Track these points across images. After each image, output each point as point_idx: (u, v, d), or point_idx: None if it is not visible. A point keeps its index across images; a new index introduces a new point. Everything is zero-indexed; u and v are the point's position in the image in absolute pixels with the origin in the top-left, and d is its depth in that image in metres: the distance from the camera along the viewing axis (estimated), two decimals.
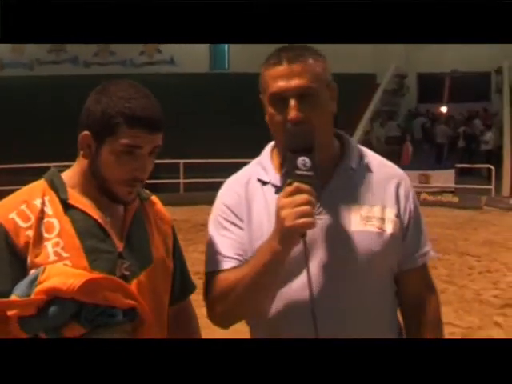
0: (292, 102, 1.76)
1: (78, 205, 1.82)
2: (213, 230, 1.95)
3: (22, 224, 1.77)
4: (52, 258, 1.75)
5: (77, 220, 1.81)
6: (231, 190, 1.94)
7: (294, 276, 1.82)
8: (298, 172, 1.67)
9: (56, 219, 1.79)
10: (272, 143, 1.96)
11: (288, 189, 1.66)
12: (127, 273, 1.82)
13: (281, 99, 1.78)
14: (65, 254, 1.76)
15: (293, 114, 1.76)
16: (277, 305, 1.85)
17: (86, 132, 1.81)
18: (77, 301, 1.65)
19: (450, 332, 5.66)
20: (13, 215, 1.78)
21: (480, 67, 25.59)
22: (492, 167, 19.54)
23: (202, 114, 22.75)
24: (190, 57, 26.20)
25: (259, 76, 1.85)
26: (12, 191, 1.87)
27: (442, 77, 26.86)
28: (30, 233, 1.76)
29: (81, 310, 1.66)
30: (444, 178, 19.84)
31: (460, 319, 6.84)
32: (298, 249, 1.74)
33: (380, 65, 25.79)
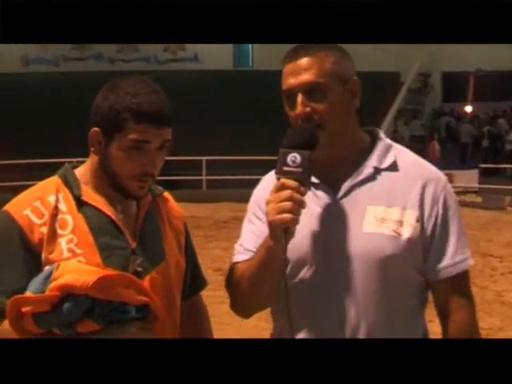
0: (299, 98, 1.76)
1: (91, 201, 1.84)
2: (244, 224, 1.98)
3: (36, 221, 1.79)
4: (66, 254, 1.77)
5: (90, 217, 1.82)
6: (262, 185, 1.97)
7: (305, 272, 1.81)
8: (286, 168, 1.68)
9: (70, 216, 1.81)
10: None
11: (276, 184, 1.68)
12: (140, 269, 1.83)
13: (292, 95, 1.78)
14: (78, 251, 1.78)
15: (299, 109, 1.76)
16: (291, 302, 1.85)
17: (96, 129, 1.83)
18: (90, 297, 1.66)
19: None
20: (27, 212, 1.80)
21: (505, 66, 25.35)
22: None
23: (225, 111, 22.76)
24: (214, 54, 26.21)
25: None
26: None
27: (466, 75, 26.64)
28: (44, 229, 1.78)
29: (94, 306, 1.67)
30: (467, 178, 19.70)
31: (481, 320, 6.78)
32: (311, 246, 1.77)
33: (404, 63, 25.64)
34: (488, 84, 25.96)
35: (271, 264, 1.75)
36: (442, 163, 20.02)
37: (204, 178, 19.57)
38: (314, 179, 1.81)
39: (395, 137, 22.37)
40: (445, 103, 27.30)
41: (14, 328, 1.69)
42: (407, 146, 1.99)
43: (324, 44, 1.83)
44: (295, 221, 1.66)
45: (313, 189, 1.82)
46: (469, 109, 25.87)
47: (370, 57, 22.09)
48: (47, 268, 1.73)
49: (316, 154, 1.78)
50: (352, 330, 1.78)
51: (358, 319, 1.78)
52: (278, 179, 1.69)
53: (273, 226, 1.68)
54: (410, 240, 1.78)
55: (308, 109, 1.76)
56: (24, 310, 1.67)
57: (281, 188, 1.67)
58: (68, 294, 1.66)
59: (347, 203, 1.81)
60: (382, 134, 1.93)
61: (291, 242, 1.74)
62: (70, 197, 1.84)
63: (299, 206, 1.66)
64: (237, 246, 1.94)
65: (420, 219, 1.80)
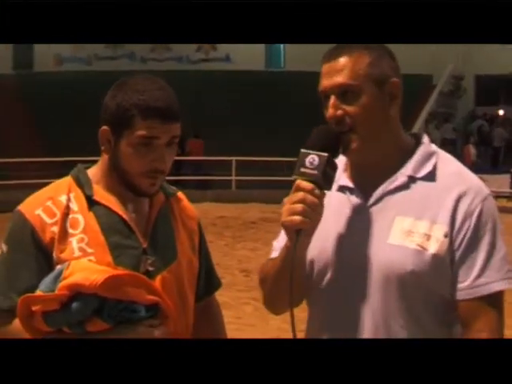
0: (331, 100, 1.73)
1: (102, 201, 1.85)
2: None
3: (47, 220, 1.81)
4: (77, 253, 1.78)
5: (101, 216, 1.83)
6: None
7: (330, 276, 1.78)
8: (303, 170, 1.66)
9: (81, 215, 1.82)
10: None
11: (294, 185, 1.67)
12: (151, 269, 1.84)
13: (326, 97, 1.75)
14: (89, 250, 1.79)
15: (330, 111, 1.72)
16: (317, 305, 1.84)
17: (105, 127, 1.85)
18: (99, 296, 1.67)
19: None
20: (39, 211, 1.81)
21: None
22: None
23: (257, 112, 22.78)
24: (246, 54, 26.24)
25: (318, 74, 1.84)
26: None
27: (499, 79, 26.36)
28: (56, 229, 1.80)
29: (104, 305, 1.68)
30: (499, 183, 19.48)
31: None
32: (336, 250, 1.75)
33: (437, 66, 25.44)
34: None
35: (287, 263, 1.71)
36: (473, 167, 19.85)
37: (233, 178, 19.60)
38: (348, 183, 1.79)
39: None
40: (477, 106, 27.04)
41: (24, 326, 1.71)
42: None
43: (364, 44, 1.78)
44: (306, 223, 1.64)
45: (347, 192, 1.80)
46: (501, 112, 25.59)
47: (402, 59, 21.80)
48: (58, 267, 1.75)
49: (349, 157, 1.76)
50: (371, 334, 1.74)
51: (376, 332, 1.72)
52: (295, 180, 1.67)
53: (284, 227, 1.67)
54: (435, 256, 1.68)
55: (340, 111, 1.72)
56: (34, 308, 1.69)
57: (296, 189, 1.65)
58: (77, 292, 1.67)
59: (377, 211, 1.76)
60: (425, 139, 1.83)
61: (319, 242, 1.74)
62: (82, 196, 1.85)
63: (312, 208, 1.63)
64: (273, 243, 1.93)
65: (449, 234, 1.69)
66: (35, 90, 23.15)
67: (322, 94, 1.76)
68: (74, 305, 1.67)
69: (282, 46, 27.61)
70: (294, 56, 25.87)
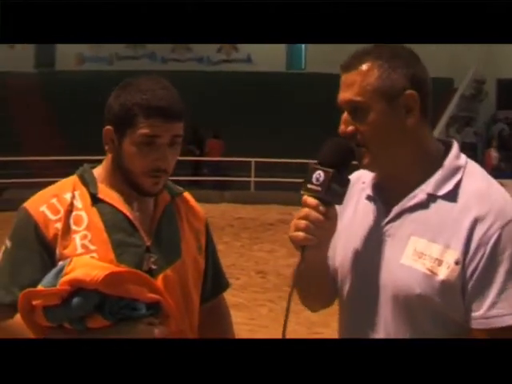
0: (344, 115, 1.70)
1: (107, 199, 1.87)
2: None
3: (51, 216, 1.83)
4: (79, 250, 1.80)
5: (105, 214, 1.85)
6: None
7: (347, 286, 1.78)
8: (309, 186, 1.65)
9: (85, 212, 1.84)
10: None
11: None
12: (154, 267, 1.85)
13: (342, 110, 1.72)
14: (92, 247, 1.81)
15: (341, 127, 1.70)
16: (342, 308, 1.84)
17: (109, 127, 1.87)
18: (100, 293, 1.68)
19: None
20: (43, 208, 1.84)
21: None
22: None
23: (277, 113, 22.77)
24: (267, 56, 26.24)
25: (338, 77, 1.80)
26: None
27: None
28: (59, 225, 1.82)
29: (104, 302, 1.69)
30: None
31: None
32: (354, 261, 1.74)
33: (458, 69, 25.31)
34: None
35: (300, 272, 1.69)
36: (493, 172, 19.72)
37: (252, 179, 19.60)
38: (372, 193, 1.77)
39: None
40: (499, 110, 26.86)
41: (25, 321, 1.73)
42: None
43: (378, 52, 1.69)
44: (309, 240, 1.63)
45: (372, 202, 1.76)
46: None
47: (423, 62, 21.81)
48: (60, 263, 1.76)
49: (366, 170, 1.74)
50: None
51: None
52: (302, 195, 1.66)
53: (291, 241, 1.67)
54: (444, 282, 1.60)
55: (350, 128, 1.68)
56: (35, 302, 1.70)
57: (303, 205, 1.65)
58: (78, 288, 1.68)
59: (394, 228, 1.70)
60: (454, 150, 1.72)
61: (344, 251, 1.75)
62: (87, 194, 1.87)
63: (316, 225, 1.62)
64: None
65: (461, 261, 1.60)
66: (57, 89, 23.30)
67: (339, 107, 1.73)
68: (75, 300, 1.68)
69: (303, 47, 27.57)
70: (315, 57, 25.83)
